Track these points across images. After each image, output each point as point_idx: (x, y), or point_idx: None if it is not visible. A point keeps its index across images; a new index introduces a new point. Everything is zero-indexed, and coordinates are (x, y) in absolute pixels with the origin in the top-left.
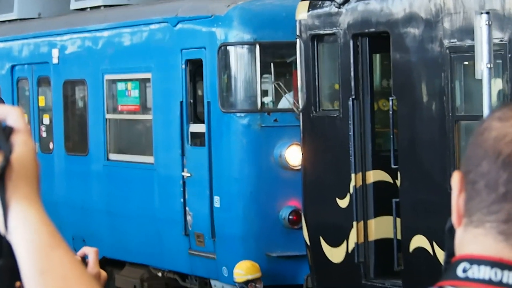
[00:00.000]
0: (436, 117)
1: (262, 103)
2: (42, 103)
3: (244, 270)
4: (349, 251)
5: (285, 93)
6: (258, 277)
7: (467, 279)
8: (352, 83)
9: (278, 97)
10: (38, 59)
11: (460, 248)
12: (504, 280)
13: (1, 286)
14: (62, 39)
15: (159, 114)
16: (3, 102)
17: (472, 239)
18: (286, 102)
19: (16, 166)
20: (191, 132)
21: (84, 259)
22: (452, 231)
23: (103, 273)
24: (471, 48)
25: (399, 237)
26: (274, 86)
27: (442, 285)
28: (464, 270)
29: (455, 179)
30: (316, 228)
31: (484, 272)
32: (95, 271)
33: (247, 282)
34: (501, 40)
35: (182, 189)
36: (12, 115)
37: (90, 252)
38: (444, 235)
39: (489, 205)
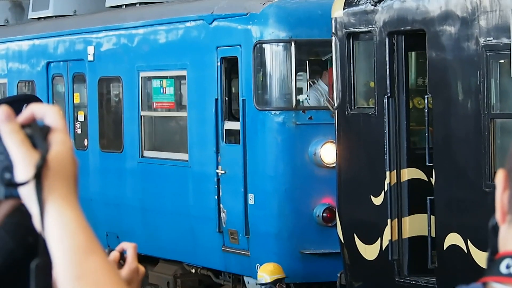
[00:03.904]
0: (471, 115)
1: (297, 101)
2: (77, 100)
3: (267, 273)
4: (383, 248)
5: (314, 83)
6: (283, 278)
7: (510, 275)
8: (388, 81)
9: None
10: (73, 56)
11: (504, 244)
12: None
13: (39, 285)
14: (98, 36)
15: (194, 111)
16: (40, 101)
17: None
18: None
19: (53, 165)
20: (226, 130)
21: (122, 254)
22: (496, 228)
23: (142, 269)
24: (507, 46)
25: (433, 234)
26: (309, 83)
27: (486, 281)
28: (508, 267)
29: (500, 177)
30: (350, 225)
31: None
32: (134, 266)
33: (275, 282)
34: None
35: (216, 186)
36: (50, 114)
37: (129, 247)
38: (481, 233)
39: None
